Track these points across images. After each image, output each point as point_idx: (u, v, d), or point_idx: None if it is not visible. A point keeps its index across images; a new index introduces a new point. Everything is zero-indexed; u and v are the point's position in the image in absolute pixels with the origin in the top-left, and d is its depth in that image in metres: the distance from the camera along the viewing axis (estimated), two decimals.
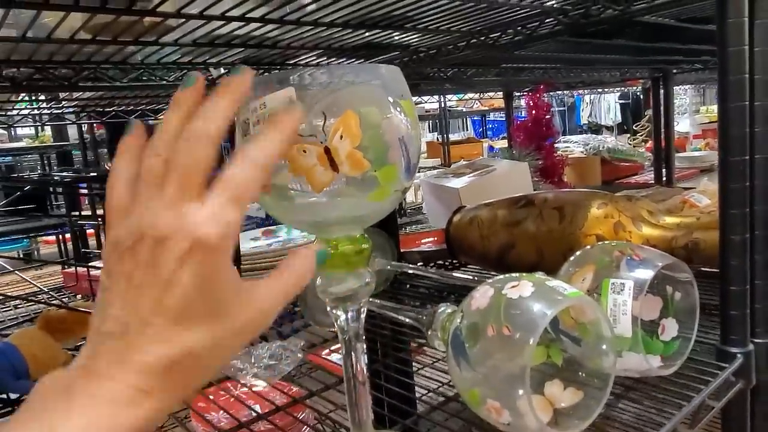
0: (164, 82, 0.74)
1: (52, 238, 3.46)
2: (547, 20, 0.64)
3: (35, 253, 3.64)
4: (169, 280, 0.24)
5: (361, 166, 0.32)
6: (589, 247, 0.53)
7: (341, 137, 0.31)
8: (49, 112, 1.15)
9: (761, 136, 0.49)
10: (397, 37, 0.70)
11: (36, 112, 1.13)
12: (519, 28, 0.67)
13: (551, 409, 0.45)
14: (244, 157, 0.26)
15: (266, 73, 0.71)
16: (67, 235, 2.88)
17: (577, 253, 0.53)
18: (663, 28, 0.85)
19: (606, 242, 0.53)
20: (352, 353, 0.42)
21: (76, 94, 0.91)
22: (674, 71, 1.57)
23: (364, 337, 0.43)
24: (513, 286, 0.41)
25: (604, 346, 0.44)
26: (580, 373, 0.46)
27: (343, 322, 0.40)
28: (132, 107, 1.15)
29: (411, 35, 0.69)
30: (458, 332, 0.42)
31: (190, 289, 0.24)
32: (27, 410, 0.24)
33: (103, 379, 0.23)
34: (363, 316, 0.40)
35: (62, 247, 2.83)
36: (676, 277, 0.52)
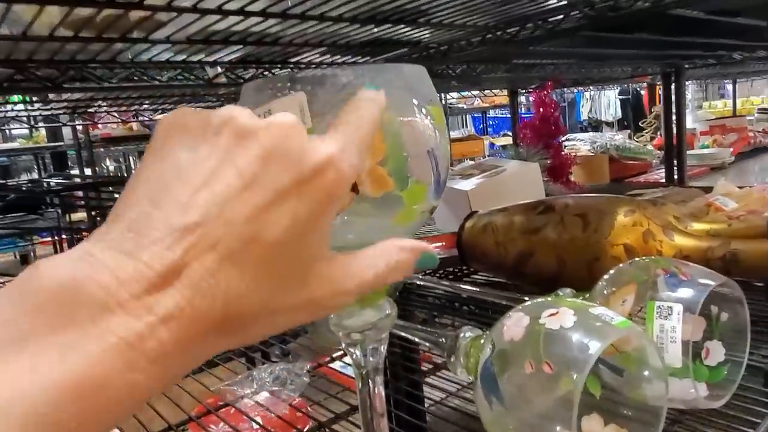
0: (156, 82, 0.69)
1: (48, 239, 3.41)
2: (572, 13, 0.59)
3: (32, 254, 3.59)
4: (273, 198, 0.19)
5: (384, 185, 0.27)
6: (626, 263, 0.48)
7: None
8: (38, 114, 1.10)
9: None
10: (406, 33, 0.65)
11: (25, 113, 1.08)
12: (539, 22, 0.62)
13: None
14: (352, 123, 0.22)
15: (270, 75, 0.65)
16: (64, 236, 2.83)
17: (613, 270, 0.48)
18: (687, 21, 0.80)
19: (644, 258, 0.48)
20: (370, 383, 0.38)
21: (64, 95, 0.86)
22: (686, 66, 1.52)
23: (382, 369, 0.39)
24: (552, 315, 0.36)
25: (650, 376, 0.39)
26: (621, 407, 0.41)
27: (359, 358, 0.35)
28: (125, 108, 1.10)
29: (422, 30, 0.64)
30: (489, 365, 0.37)
31: (288, 224, 0.19)
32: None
33: (113, 310, 0.16)
34: (383, 349, 0.36)
35: (58, 249, 2.79)
36: (721, 295, 0.48)
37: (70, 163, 3.10)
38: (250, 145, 0.19)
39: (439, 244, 1.11)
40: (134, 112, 1.17)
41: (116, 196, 0.67)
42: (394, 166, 0.27)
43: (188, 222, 0.17)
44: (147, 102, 1.01)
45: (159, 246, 0.17)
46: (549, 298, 0.39)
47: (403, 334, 0.52)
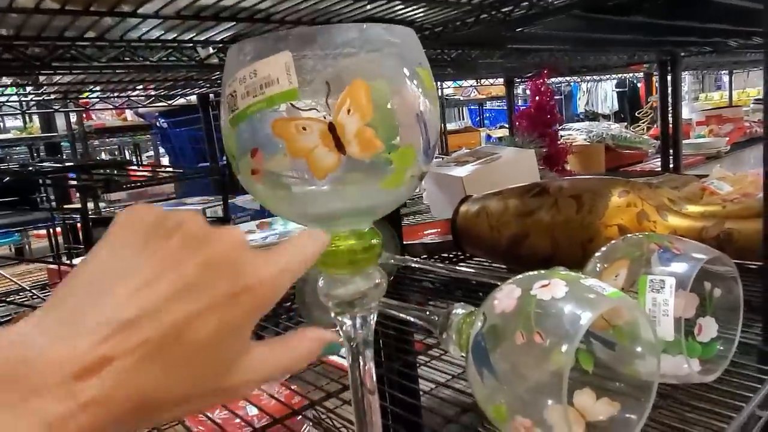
0: (147, 62, 0.68)
1: (44, 232, 3.39)
2: None
3: (26, 247, 3.57)
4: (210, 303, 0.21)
5: (372, 146, 0.26)
6: (619, 239, 0.47)
7: (348, 112, 0.26)
8: (31, 99, 1.09)
9: None
10: (400, 12, 0.65)
11: (17, 100, 1.07)
12: (534, 0, 0.62)
13: (583, 422, 0.40)
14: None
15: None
16: (58, 229, 2.82)
17: (605, 246, 0.48)
18: (683, 3, 0.80)
19: (637, 234, 0.48)
20: (360, 360, 0.37)
21: (56, 78, 0.85)
22: (683, 54, 1.52)
23: (372, 342, 0.39)
24: (543, 286, 0.36)
25: (643, 351, 0.39)
26: (613, 381, 0.41)
27: (349, 329, 0.35)
28: (117, 93, 1.09)
29: (417, 9, 0.64)
30: (480, 339, 0.37)
31: (214, 329, 0.21)
32: None
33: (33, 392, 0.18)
34: (373, 321, 0.35)
35: (53, 241, 2.77)
36: (715, 272, 0.47)
37: (64, 155, 3.08)
38: (195, 253, 0.21)
39: (434, 230, 1.11)
40: (126, 99, 1.16)
41: (112, 177, 0.66)
42: (382, 128, 0.27)
43: (122, 319, 0.19)
44: (139, 86, 1.00)
45: (92, 337, 0.19)
46: (542, 272, 0.39)
47: (396, 313, 0.52)
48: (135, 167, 0.72)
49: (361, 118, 0.26)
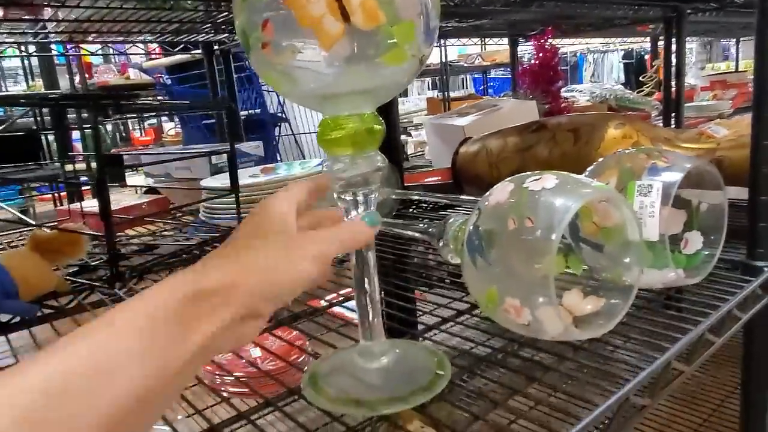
0: None
1: (48, 196, 3.41)
2: None
3: (31, 210, 3.60)
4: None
5: (375, 17, 0.28)
6: (611, 154, 0.49)
7: None
8: (35, 41, 1.10)
9: None
10: None
11: (21, 41, 1.08)
12: None
13: (570, 317, 0.42)
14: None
15: None
16: (63, 193, 2.84)
17: (598, 161, 0.49)
18: None
19: (629, 149, 0.50)
20: (363, 267, 0.39)
21: (61, 15, 0.86)
22: (689, 11, 1.51)
23: (374, 244, 0.40)
24: (535, 180, 0.38)
25: (628, 253, 0.41)
26: (600, 283, 0.43)
27: (350, 206, 0.37)
28: (123, 37, 1.09)
29: None
30: (474, 231, 0.39)
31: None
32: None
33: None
34: (373, 199, 0.37)
35: (57, 204, 2.79)
36: (702, 190, 0.49)
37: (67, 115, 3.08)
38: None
39: (435, 178, 1.13)
40: (131, 46, 1.17)
41: (121, 102, 0.67)
42: (385, 2, 0.28)
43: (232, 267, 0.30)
44: (147, 29, 1.01)
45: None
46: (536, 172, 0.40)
47: (399, 231, 0.54)
48: (144, 97, 0.74)
49: None
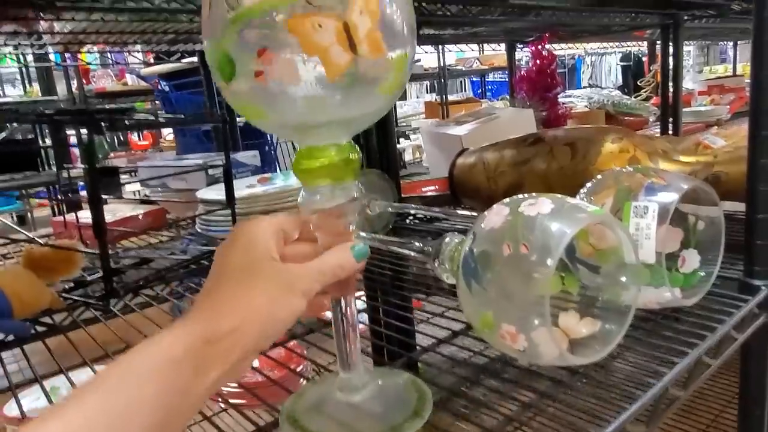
0: (150, 5, 0.69)
1: (45, 201, 3.41)
2: None
3: (29, 215, 3.60)
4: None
5: (380, 48, 0.28)
6: (607, 172, 0.49)
7: (360, 13, 0.27)
8: (32, 53, 1.10)
9: None
10: None
11: (19, 51, 1.08)
12: None
13: (566, 339, 0.42)
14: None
15: None
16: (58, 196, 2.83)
17: (594, 179, 0.49)
18: None
19: (625, 168, 0.49)
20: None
21: (57, 27, 0.86)
22: (685, 18, 1.51)
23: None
24: (531, 204, 0.38)
25: (624, 274, 0.41)
26: (597, 303, 0.43)
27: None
28: (119, 47, 1.09)
29: None
30: (470, 255, 0.39)
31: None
32: None
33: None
34: (350, 235, 0.37)
35: (55, 210, 2.79)
36: (700, 208, 0.49)
37: None
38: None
39: (432, 187, 1.13)
40: (128, 54, 1.17)
41: (116, 117, 0.67)
42: (386, 33, 0.28)
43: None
44: (142, 39, 1.01)
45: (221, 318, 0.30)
46: (532, 194, 0.40)
47: (395, 249, 0.54)
48: (137, 114, 0.74)
49: (371, 20, 0.27)
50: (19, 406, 0.48)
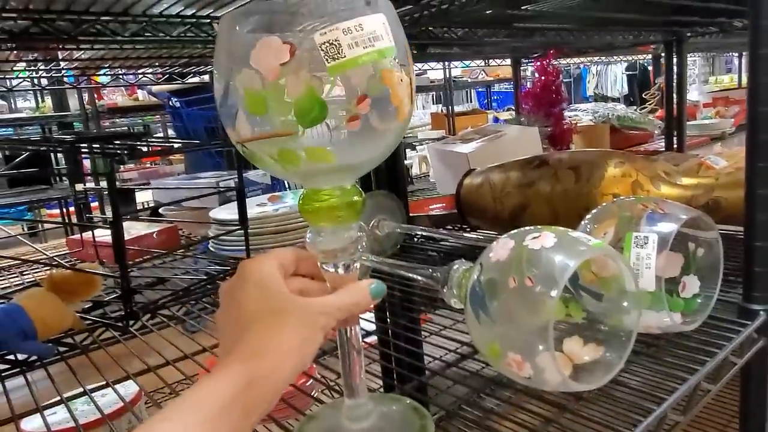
0: (167, 37, 0.71)
1: (56, 211, 3.45)
2: None
3: (39, 226, 3.64)
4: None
5: (412, 100, 0.33)
6: (609, 203, 0.51)
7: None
8: (48, 76, 1.13)
9: None
10: None
11: (35, 75, 1.11)
12: None
13: (570, 365, 0.44)
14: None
15: None
16: (71, 209, 2.87)
17: (596, 209, 0.51)
18: None
19: (627, 197, 0.51)
20: (346, 326, 0.40)
21: (75, 54, 0.89)
22: (689, 35, 1.53)
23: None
24: (534, 238, 0.40)
25: (625, 301, 0.43)
26: (600, 330, 0.45)
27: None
28: (133, 70, 1.12)
29: None
30: (477, 285, 0.41)
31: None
32: None
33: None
34: (356, 268, 0.39)
35: (66, 221, 2.83)
36: (699, 234, 0.51)
37: None
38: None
39: (439, 205, 1.15)
40: (141, 76, 1.20)
41: (135, 145, 0.70)
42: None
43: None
44: (156, 63, 1.04)
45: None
46: (537, 227, 0.42)
47: (404, 273, 0.56)
48: (152, 139, 0.77)
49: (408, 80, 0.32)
50: (46, 424, 0.51)
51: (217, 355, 0.36)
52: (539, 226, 0.42)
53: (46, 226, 3.63)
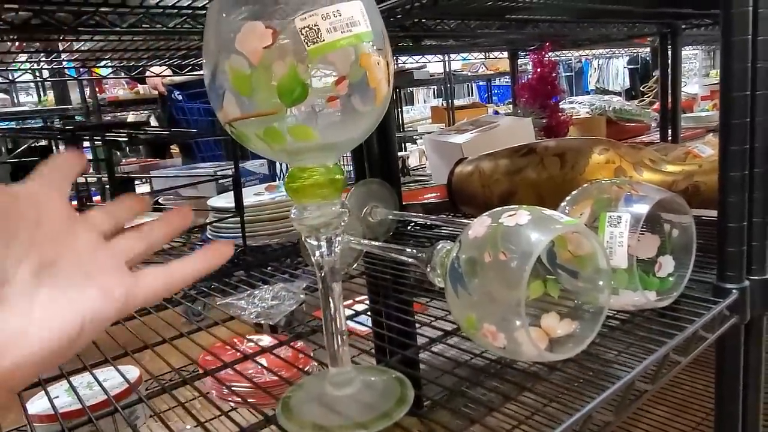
0: (164, 28, 0.73)
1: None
2: None
3: None
4: None
5: (389, 83, 0.35)
6: (587, 185, 0.53)
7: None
8: (49, 67, 1.15)
9: (763, 72, 0.49)
10: None
11: (37, 68, 1.13)
12: None
13: (547, 339, 0.46)
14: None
15: None
16: (74, 203, 2.89)
17: (575, 191, 0.53)
18: None
19: (604, 180, 0.53)
20: (329, 297, 0.42)
21: (75, 45, 0.91)
22: (683, 27, 1.54)
23: (341, 277, 0.43)
24: (510, 215, 0.42)
25: (599, 279, 0.45)
26: (576, 306, 0.47)
27: (318, 256, 0.40)
28: (133, 62, 1.14)
29: None
30: (456, 261, 0.43)
31: None
32: None
33: None
34: (337, 249, 0.41)
35: None
36: (674, 217, 0.53)
37: None
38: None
39: (433, 194, 1.17)
40: (141, 68, 1.22)
41: (134, 133, 0.72)
42: None
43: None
44: (155, 55, 1.05)
45: None
46: (514, 206, 0.44)
47: (393, 255, 0.58)
48: (152, 128, 0.78)
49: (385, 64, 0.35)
50: (50, 399, 0.53)
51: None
52: (516, 206, 0.44)
53: None
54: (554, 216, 0.42)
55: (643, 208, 0.47)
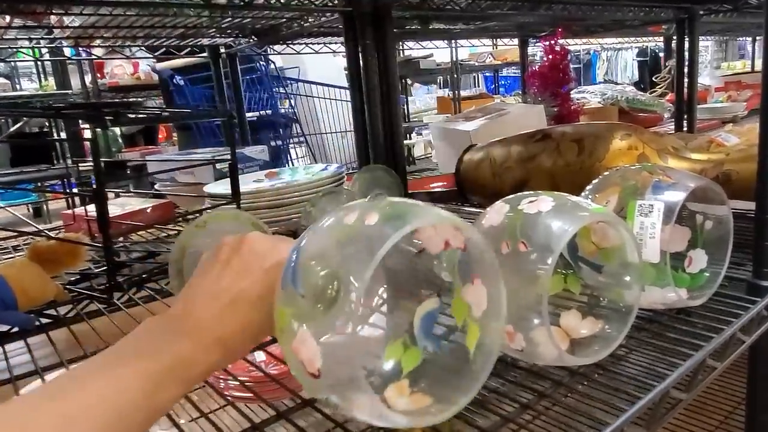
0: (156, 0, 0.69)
1: (60, 193, 3.44)
2: None
3: (44, 207, 3.64)
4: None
5: None
6: (612, 171, 0.48)
7: None
8: (46, 46, 1.10)
9: None
10: None
11: (36, 45, 1.08)
12: None
13: (567, 339, 0.41)
14: None
15: None
16: (75, 189, 2.86)
17: (598, 177, 0.48)
18: None
19: (632, 165, 0.48)
20: None
21: (66, 21, 0.86)
22: (701, 12, 1.48)
23: None
24: (531, 202, 0.37)
25: (627, 274, 0.40)
26: (599, 303, 0.42)
27: None
28: (129, 41, 1.10)
29: None
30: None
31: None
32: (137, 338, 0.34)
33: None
34: None
35: (69, 201, 2.82)
36: (707, 207, 0.48)
37: None
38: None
39: (440, 183, 1.12)
40: (139, 48, 1.17)
41: (120, 111, 0.67)
42: None
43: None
44: (151, 34, 1.01)
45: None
46: (533, 192, 0.39)
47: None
48: (143, 108, 0.74)
49: None
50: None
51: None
52: (538, 191, 0.39)
53: (51, 206, 3.63)
54: (581, 203, 0.37)
55: (677, 196, 0.42)
